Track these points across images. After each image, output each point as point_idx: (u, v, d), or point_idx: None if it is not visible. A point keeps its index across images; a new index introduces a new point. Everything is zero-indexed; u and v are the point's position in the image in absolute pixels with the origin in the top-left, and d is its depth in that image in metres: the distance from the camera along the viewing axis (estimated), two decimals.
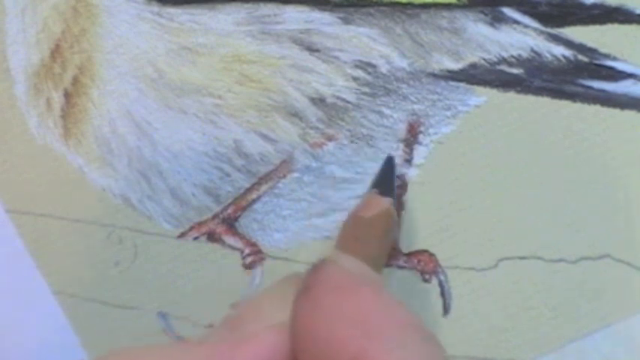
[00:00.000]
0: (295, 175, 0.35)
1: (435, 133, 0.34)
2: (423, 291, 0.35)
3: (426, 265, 0.35)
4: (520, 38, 0.33)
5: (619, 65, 0.33)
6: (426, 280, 0.35)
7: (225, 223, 0.36)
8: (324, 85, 0.34)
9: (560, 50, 0.33)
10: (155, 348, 0.23)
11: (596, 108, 0.33)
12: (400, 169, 0.35)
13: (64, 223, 0.37)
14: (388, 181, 0.34)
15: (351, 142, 0.35)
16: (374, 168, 0.35)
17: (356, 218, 0.31)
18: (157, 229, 0.37)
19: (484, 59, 0.34)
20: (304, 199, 0.35)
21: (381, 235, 0.31)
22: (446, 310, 0.35)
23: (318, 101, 0.35)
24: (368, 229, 0.31)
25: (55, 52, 0.36)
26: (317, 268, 0.24)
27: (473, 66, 0.34)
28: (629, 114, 0.33)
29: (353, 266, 0.24)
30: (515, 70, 0.33)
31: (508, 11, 0.33)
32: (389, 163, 0.35)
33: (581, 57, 0.33)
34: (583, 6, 0.33)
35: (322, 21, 0.34)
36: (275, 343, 0.23)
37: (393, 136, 0.35)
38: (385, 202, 0.32)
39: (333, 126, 0.35)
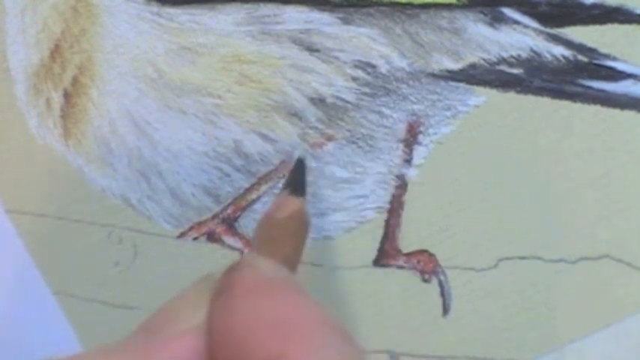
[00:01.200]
0: None
1: (435, 134, 0.34)
2: (423, 291, 0.35)
3: (425, 265, 0.35)
4: (520, 38, 0.33)
5: (619, 65, 0.33)
6: (425, 280, 0.35)
7: (225, 223, 0.36)
8: (323, 85, 0.34)
9: (559, 50, 0.33)
10: (74, 358, 0.22)
11: (596, 108, 0.33)
12: (400, 169, 0.35)
13: (64, 223, 0.37)
14: (300, 181, 0.34)
15: (351, 142, 0.35)
16: (374, 168, 0.35)
17: (269, 219, 0.31)
18: (157, 229, 0.37)
19: (484, 59, 0.34)
20: None
21: (294, 235, 0.31)
22: (446, 310, 0.35)
23: (318, 101, 0.35)
24: (281, 230, 0.31)
25: (55, 52, 0.36)
26: (232, 270, 0.24)
27: (472, 66, 0.34)
28: (629, 114, 0.33)
29: (268, 268, 0.24)
30: (514, 70, 0.33)
31: (508, 11, 0.33)
32: (300, 163, 0.35)
33: (580, 57, 0.33)
34: (583, 6, 0.33)
35: (322, 21, 0.34)
36: (190, 347, 0.22)
37: (393, 136, 0.35)
38: (297, 203, 0.32)
39: (332, 126, 0.35)
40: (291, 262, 0.30)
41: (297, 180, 0.34)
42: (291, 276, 0.25)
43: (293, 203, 0.32)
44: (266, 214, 0.31)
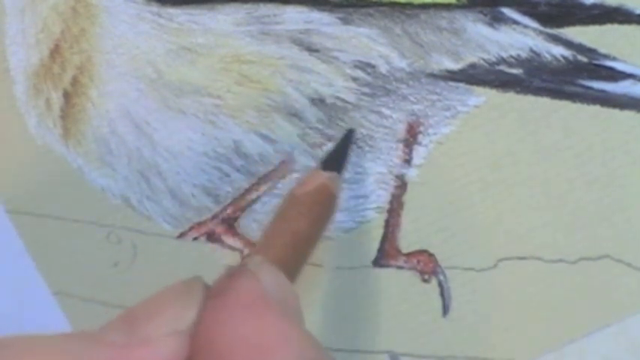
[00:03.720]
0: (295, 175, 0.35)
1: (435, 134, 0.34)
2: (422, 291, 0.35)
3: (425, 265, 0.35)
4: (519, 38, 0.33)
5: (618, 65, 0.33)
6: (425, 281, 0.35)
7: (225, 223, 0.36)
8: (323, 85, 0.34)
9: (559, 50, 0.33)
10: (48, 339, 0.22)
11: (595, 108, 0.33)
12: (400, 169, 0.35)
13: (63, 223, 0.37)
14: (336, 155, 0.33)
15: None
16: (374, 168, 0.35)
17: (289, 196, 0.30)
18: (157, 229, 0.37)
19: (483, 59, 0.34)
20: None
21: (310, 211, 0.29)
22: (445, 310, 0.35)
23: (318, 101, 0.35)
24: (298, 206, 0.29)
25: (55, 52, 0.36)
26: (233, 274, 0.23)
27: (472, 66, 0.34)
28: (628, 114, 0.33)
29: (271, 282, 0.23)
30: (514, 71, 0.33)
31: (507, 11, 0.33)
32: (348, 136, 0.34)
33: (580, 57, 0.33)
34: (582, 6, 0.33)
35: (322, 21, 0.34)
36: (173, 351, 0.22)
37: (393, 137, 0.35)
38: (322, 177, 0.30)
39: (332, 126, 0.35)
40: (305, 240, 0.29)
41: (334, 153, 0.33)
42: (290, 295, 0.24)
43: (318, 177, 0.30)
44: (290, 191, 0.30)
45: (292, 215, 0.29)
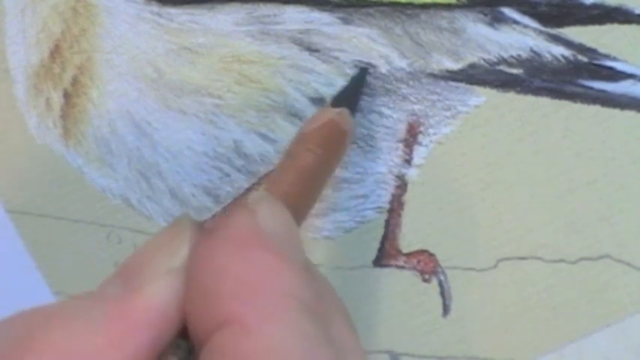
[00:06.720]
0: None
1: (435, 134, 0.34)
2: (422, 291, 0.35)
3: (425, 265, 0.35)
4: (520, 38, 0.33)
5: (619, 65, 0.33)
6: (425, 280, 0.35)
7: None
8: (323, 85, 0.34)
9: (559, 50, 0.33)
10: (55, 306, 0.22)
11: (596, 108, 0.33)
12: (400, 169, 0.35)
13: (63, 223, 0.37)
14: (346, 92, 0.33)
15: (351, 142, 0.35)
16: (374, 168, 0.35)
17: (297, 134, 0.29)
18: (157, 229, 0.37)
19: (484, 59, 0.34)
20: None
21: (318, 147, 0.28)
22: (446, 310, 0.35)
23: (318, 101, 0.35)
24: (305, 143, 0.28)
25: (55, 52, 0.36)
26: (230, 211, 0.23)
27: (472, 66, 0.34)
28: (629, 114, 0.33)
29: (267, 217, 0.23)
30: (514, 71, 0.33)
31: (508, 11, 0.33)
32: (360, 74, 0.34)
33: (580, 57, 0.33)
34: (583, 6, 0.33)
35: (322, 21, 0.34)
36: (166, 291, 0.22)
37: (393, 137, 0.35)
38: (330, 113, 0.30)
39: None
40: (313, 176, 0.28)
41: (345, 91, 0.33)
42: (290, 230, 0.23)
43: (326, 114, 0.30)
44: (299, 129, 0.29)
45: (299, 152, 0.28)
